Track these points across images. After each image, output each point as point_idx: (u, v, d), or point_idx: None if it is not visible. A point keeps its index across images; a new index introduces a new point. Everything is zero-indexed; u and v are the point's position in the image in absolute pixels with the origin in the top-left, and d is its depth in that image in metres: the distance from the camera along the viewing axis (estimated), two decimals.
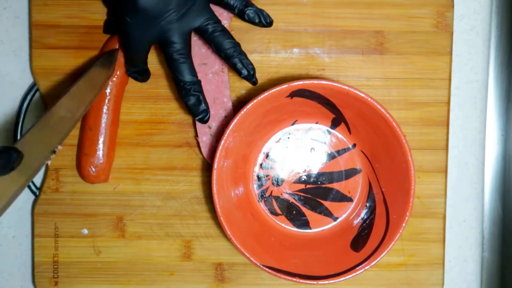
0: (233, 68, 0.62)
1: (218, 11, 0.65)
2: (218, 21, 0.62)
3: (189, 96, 0.61)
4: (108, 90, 0.64)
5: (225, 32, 0.62)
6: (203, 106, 0.62)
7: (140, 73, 0.64)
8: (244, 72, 0.62)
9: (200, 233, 0.68)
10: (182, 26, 0.60)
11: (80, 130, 0.66)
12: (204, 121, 0.62)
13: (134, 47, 0.61)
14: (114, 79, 0.64)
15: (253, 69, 0.62)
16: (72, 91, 0.59)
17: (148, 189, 0.68)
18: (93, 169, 0.64)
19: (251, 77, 0.62)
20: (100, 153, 0.65)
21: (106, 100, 0.64)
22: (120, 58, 0.64)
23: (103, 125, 0.64)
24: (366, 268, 0.62)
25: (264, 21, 0.63)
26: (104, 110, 0.64)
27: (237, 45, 0.62)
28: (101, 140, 0.64)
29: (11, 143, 0.68)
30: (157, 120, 0.67)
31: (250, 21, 0.63)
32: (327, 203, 0.68)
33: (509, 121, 0.71)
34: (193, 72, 0.61)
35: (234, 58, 0.61)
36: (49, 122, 0.57)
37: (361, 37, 0.67)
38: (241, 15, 0.63)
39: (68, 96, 0.59)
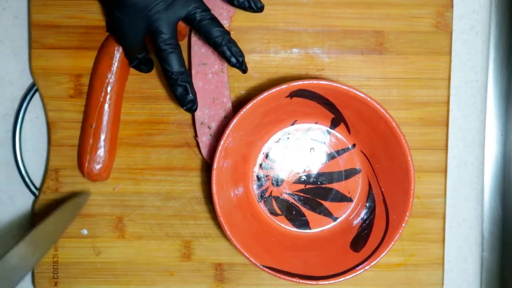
0: (223, 56, 0.61)
1: (218, 11, 0.65)
2: (206, 10, 0.61)
3: (177, 86, 0.61)
4: (109, 88, 0.64)
5: (214, 20, 0.61)
6: (190, 96, 0.61)
7: (144, 63, 0.64)
8: (233, 60, 0.61)
9: (200, 234, 0.68)
10: (169, 16, 0.60)
11: (81, 128, 0.66)
12: (192, 110, 0.62)
13: (127, 40, 0.61)
14: (113, 77, 0.64)
15: (242, 56, 0.62)
16: (29, 236, 0.55)
17: (147, 189, 0.68)
18: (96, 166, 0.64)
19: (240, 65, 0.62)
20: (102, 150, 0.65)
21: (108, 97, 0.64)
22: (119, 53, 0.64)
23: (104, 122, 0.64)
24: (366, 268, 0.62)
25: (254, 5, 0.62)
26: (106, 107, 0.64)
27: (225, 33, 0.61)
28: (102, 137, 0.64)
29: (10, 144, 0.68)
30: (156, 120, 0.67)
31: (240, 6, 0.62)
32: (326, 203, 0.68)
33: (508, 121, 0.71)
34: (181, 62, 0.61)
35: (222, 46, 0.61)
36: None
37: (360, 37, 0.67)
38: (230, 0, 0.63)
39: (24, 243, 0.54)
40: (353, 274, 0.62)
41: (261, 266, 0.62)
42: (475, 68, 0.69)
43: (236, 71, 0.67)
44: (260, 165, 0.68)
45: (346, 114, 0.65)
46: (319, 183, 0.68)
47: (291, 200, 0.68)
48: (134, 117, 0.67)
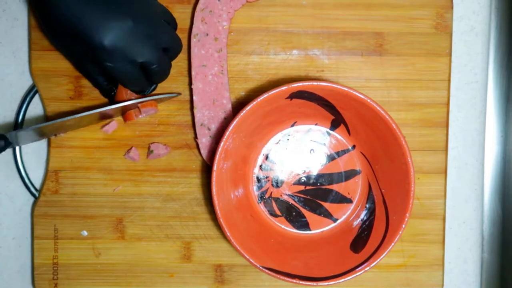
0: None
1: (218, 12, 0.65)
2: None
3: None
4: None
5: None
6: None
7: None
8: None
9: (200, 235, 0.68)
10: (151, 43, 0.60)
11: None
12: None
13: (131, 84, 0.63)
14: None
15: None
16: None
17: (147, 190, 0.68)
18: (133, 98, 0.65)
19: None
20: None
21: None
22: None
23: None
24: (366, 269, 0.62)
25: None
26: None
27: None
28: None
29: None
30: (156, 122, 0.67)
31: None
32: (326, 205, 0.68)
33: (508, 122, 0.71)
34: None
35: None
36: None
37: (360, 39, 0.67)
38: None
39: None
40: (353, 275, 0.62)
41: (261, 267, 0.62)
42: (475, 69, 0.69)
43: (236, 73, 0.67)
44: (260, 166, 0.68)
45: (346, 116, 0.65)
46: (319, 184, 0.68)
47: (291, 201, 0.68)
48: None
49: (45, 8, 0.57)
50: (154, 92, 0.66)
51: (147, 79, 0.62)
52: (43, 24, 0.60)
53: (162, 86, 0.67)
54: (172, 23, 0.64)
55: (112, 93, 0.65)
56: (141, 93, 0.65)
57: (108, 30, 0.56)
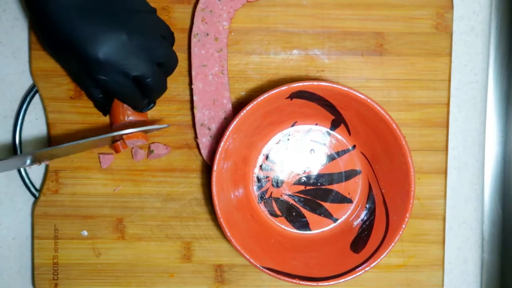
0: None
1: (218, 12, 0.65)
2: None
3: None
4: None
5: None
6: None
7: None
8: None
9: (200, 235, 0.68)
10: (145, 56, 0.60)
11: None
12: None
13: (127, 99, 0.62)
14: None
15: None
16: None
17: (148, 190, 0.68)
18: (129, 112, 0.64)
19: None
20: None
21: None
22: None
23: None
24: (366, 269, 0.62)
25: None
26: None
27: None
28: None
29: (10, 145, 0.68)
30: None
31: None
32: (327, 205, 0.68)
33: (508, 122, 0.71)
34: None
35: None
36: None
37: (360, 39, 0.67)
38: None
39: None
40: (353, 276, 0.62)
41: (261, 267, 0.62)
42: (475, 69, 0.69)
43: (236, 73, 0.67)
44: (260, 166, 0.68)
45: (346, 116, 0.65)
46: (319, 184, 0.68)
47: (291, 201, 0.68)
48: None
49: (43, 18, 0.57)
50: (142, 122, 0.65)
51: (142, 94, 0.62)
52: (40, 33, 0.60)
53: None
54: (168, 38, 0.63)
55: (107, 107, 0.64)
56: (137, 108, 0.64)
57: (102, 43, 0.56)
